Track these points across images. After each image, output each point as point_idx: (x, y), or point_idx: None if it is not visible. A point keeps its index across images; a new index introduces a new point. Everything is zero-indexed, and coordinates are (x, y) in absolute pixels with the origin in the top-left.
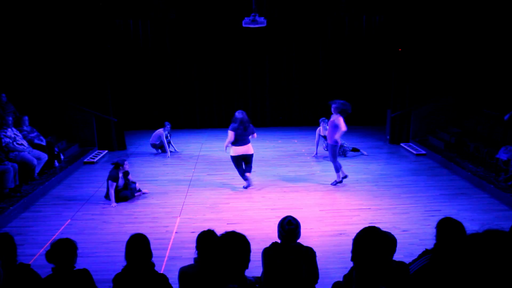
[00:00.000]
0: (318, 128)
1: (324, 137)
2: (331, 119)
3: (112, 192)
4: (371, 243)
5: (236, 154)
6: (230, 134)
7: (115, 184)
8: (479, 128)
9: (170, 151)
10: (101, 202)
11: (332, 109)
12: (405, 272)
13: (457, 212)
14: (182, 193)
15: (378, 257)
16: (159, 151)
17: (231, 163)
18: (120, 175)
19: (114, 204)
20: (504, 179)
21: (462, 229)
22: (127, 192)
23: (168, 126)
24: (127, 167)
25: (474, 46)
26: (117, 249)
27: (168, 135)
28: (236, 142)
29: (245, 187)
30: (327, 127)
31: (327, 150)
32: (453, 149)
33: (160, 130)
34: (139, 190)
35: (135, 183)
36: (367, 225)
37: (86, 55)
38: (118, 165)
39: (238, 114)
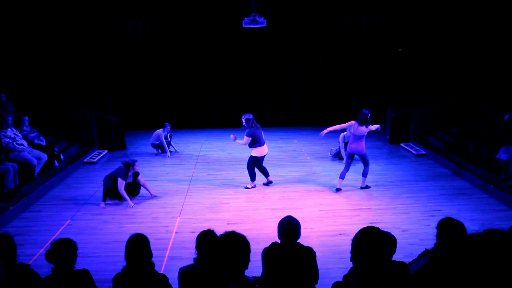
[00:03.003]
0: (342, 135)
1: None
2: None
3: (122, 190)
4: (371, 243)
5: (262, 155)
6: (247, 140)
7: (124, 182)
8: (479, 128)
9: (170, 151)
10: (101, 202)
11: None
12: (405, 272)
13: (457, 212)
14: (182, 193)
15: (378, 257)
16: (159, 151)
17: (233, 162)
18: (130, 174)
19: (132, 204)
20: (504, 179)
21: (462, 229)
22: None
23: (168, 127)
24: (137, 168)
25: (474, 46)
26: (117, 249)
27: (169, 135)
28: (259, 143)
29: (253, 187)
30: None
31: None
32: (453, 149)
33: (160, 131)
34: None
35: (140, 186)
36: (367, 225)
37: (86, 55)
38: (128, 166)
39: (250, 115)
